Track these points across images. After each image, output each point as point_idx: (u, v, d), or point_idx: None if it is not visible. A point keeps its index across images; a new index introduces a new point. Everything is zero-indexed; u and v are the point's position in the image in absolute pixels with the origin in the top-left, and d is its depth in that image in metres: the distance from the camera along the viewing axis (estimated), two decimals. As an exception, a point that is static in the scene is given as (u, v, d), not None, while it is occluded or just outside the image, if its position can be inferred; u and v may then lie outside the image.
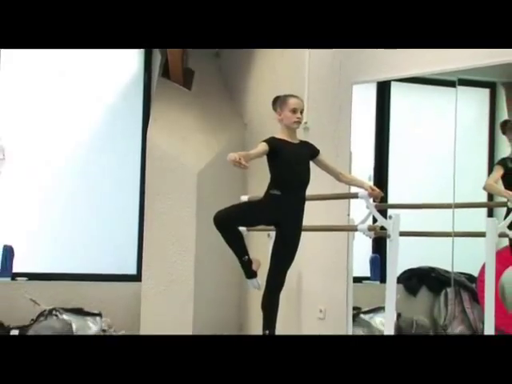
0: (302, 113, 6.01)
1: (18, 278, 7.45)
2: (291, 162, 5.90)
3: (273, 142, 5.86)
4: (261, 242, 6.90)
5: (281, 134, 5.98)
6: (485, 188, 6.60)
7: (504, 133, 6.69)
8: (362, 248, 7.33)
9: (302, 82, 7.38)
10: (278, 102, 6.05)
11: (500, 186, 6.51)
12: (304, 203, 6.00)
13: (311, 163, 6.04)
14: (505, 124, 6.77)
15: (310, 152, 6.06)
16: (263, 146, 5.83)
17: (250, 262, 5.91)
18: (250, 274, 5.92)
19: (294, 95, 6.12)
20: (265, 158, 5.88)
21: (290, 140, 5.97)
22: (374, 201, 6.15)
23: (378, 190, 5.99)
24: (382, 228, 6.13)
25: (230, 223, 5.81)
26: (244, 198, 6.87)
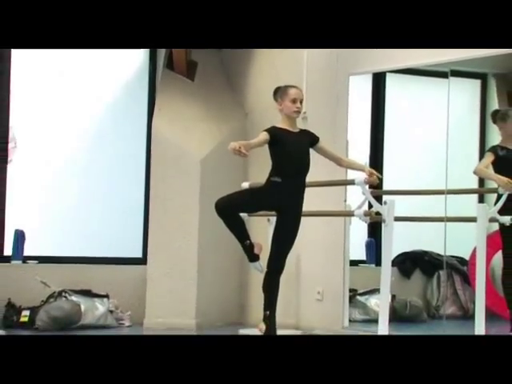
0: (301, 103, 6.02)
1: (29, 261, 7.44)
2: (292, 150, 5.92)
3: (273, 131, 5.88)
4: (261, 227, 6.91)
5: (281, 124, 5.99)
6: (475, 172, 6.60)
7: (495, 122, 6.71)
8: (358, 232, 7.36)
9: (301, 73, 7.38)
10: (279, 92, 6.06)
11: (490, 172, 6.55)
12: (304, 190, 6.01)
13: (311, 150, 6.07)
14: (495, 114, 6.78)
15: (309, 140, 6.07)
16: (264, 135, 5.85)
17: (251, 246, 5.93)
18: (253, 257, 5.95)
19: (293, 86, 6.14)
20: (266, 146, 5.91)
21: (290, 129, 5.98)
22: (369, 187, 6.18)
23: (376, 174, 6.01)
24: (378, 213, 6.16)
25: (232, 210, 5.84)
26: (245, 185, 6.88)
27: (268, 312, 6.03)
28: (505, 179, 6.31)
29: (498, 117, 6.67)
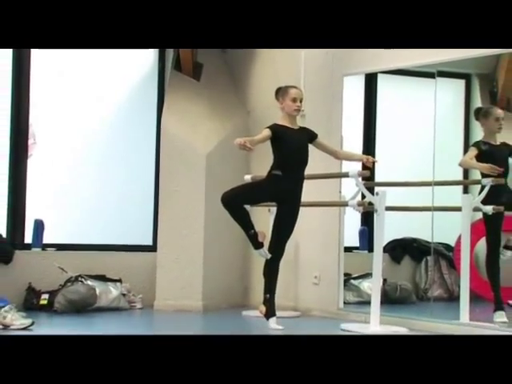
0: (301, 101, 6.07)
1: (48, 249, 7.43)
2: (292, 146, 5.96)
3: (275, 128, 5.92)
4: (262, 217, 6.93)
5: (282, 121, 6.04)
6: (460, 164, 6.61)
7: (477, 119, 6.71)
8: (352, 221, 7.37)
9: (299, 74, 7.39)
10: (280, 92, 6.10)
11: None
12: (302, 182, 6.06)
13: (311, 146, 6.11)
14: (478, 111, 6.79)
15: (308, 136, 6.13)
16: (267, 132, 5.89)
17: (256, 234, 5.97)
18: (257, 245, 5.99)
19: (294, 86, 6.19)
20: (267, 141, 5.95)
21: (290, 126, 6.03)
22: (362, 179, 6.21)
23: (372, 158, 6.13)
24: (370, 203, 6.20)
25: (236, 202, 5.87)
26: (247, 177, 6.90)
27: (268, 295, 6.08)
28: (486, 165, 6.34)
29: (480, 114, 6.67)
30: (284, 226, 6.07)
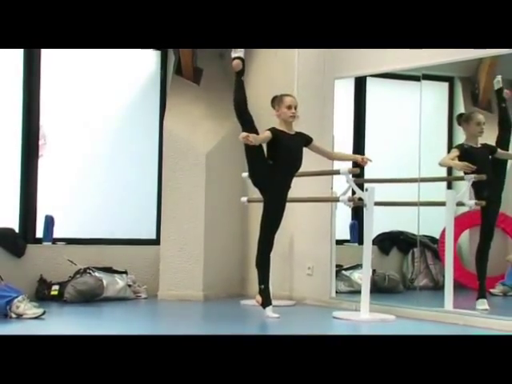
0: (295, 108, 6.08)
1: (58, 243, 7.43)
2: (288, 150, 5.98)
3: (275, 131, 5.95)
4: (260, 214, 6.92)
5: (279, 127, 6.05)
6: (440, 163, 6.56)
7: (459, 124, 6.68)
8: (343, 215, 7.38)
9: (292, 77, 7.39)
10: (276, 100, 6.13)
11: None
12: (290, 181, 6.06)
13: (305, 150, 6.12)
14: (459, 117, 6.78)
15: (304, 141, 6.15)
16: (268, 134, 5.92)
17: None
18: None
19: (288, 94, 6.22)
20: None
21: (287, 131, 6.04)
22: (352, 176, 6.22)
23: (366, 158, 6.15)
24: (360, 199, 6.21)
25: (245, 113, 6.02)
26: (245, 175, 6.89)
27: (262, 286, 6.09)
28: (461, 163, 6.35)
29: (462, 119, 6.65)
30: (269, 220, 6.03)
